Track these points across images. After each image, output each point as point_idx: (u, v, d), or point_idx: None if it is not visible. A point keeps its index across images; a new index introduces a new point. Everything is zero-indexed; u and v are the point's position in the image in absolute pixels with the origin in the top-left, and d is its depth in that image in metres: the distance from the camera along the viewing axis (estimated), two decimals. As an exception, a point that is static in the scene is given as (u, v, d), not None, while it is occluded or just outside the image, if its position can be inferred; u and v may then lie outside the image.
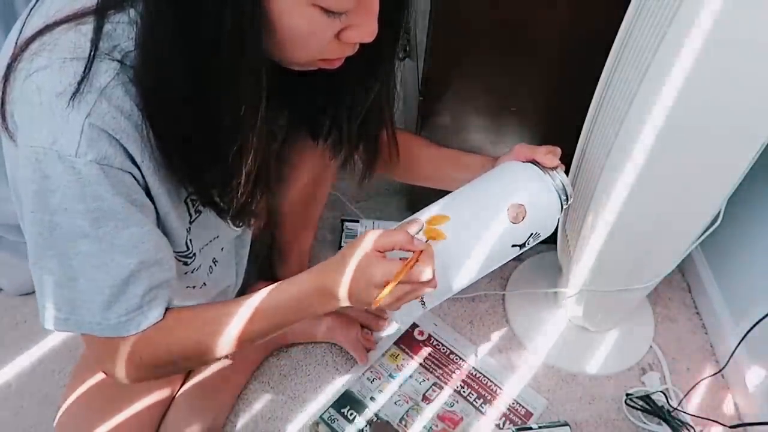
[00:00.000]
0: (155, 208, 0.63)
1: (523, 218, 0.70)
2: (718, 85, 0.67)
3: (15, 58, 0.56)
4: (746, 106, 0.68)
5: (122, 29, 0.57)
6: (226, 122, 0.58)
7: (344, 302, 0.65)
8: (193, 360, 0.71)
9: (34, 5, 0.61)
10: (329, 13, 0.54)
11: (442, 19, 0.93)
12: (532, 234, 0.72)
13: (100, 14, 0.56)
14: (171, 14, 0.52)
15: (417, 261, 0.61)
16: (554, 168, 0.73)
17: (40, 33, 0.56)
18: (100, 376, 0.88)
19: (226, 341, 0.66)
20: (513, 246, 0.71)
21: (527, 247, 0.73)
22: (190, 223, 0.71)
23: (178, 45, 0.53)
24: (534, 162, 0.74)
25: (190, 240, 0.72)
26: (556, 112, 1.05)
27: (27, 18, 0.60)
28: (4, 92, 0.57)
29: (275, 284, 0.67)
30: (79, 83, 0.54)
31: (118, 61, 0.56)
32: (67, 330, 0.63)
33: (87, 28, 0.56)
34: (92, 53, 0.55)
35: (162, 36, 0.54)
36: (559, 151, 0.75)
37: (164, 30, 0.53)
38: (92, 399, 0.86)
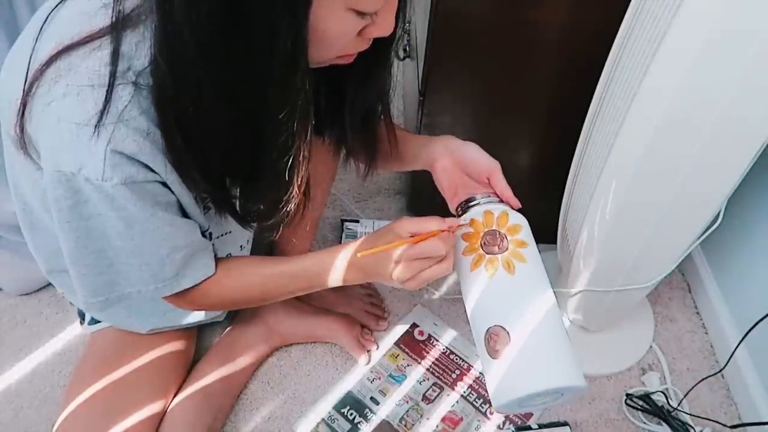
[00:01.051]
0: (177, 200, 0.67)
1: None
2: (718, 84, 0.66)
3: (33, 83, 0.58)
4: (746, 105, 0.68)
5: (135, 48, 0.58)
6: (277, 139, 0.59)
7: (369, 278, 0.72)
8: (244, 304, 0.81)
9: (45, 23, 0.61)
10: (361, 14, 0.56)
11: (442, 19, 0.93)
12: None
13: (116, 38, 0.58)
14: (212, 39, 0.52)
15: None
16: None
17: (56, 57, 0.58)
18: (99, 382, 0.88)
19: (269, 299, 0.79)
20: None
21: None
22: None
23: (219, 70, 0.54)
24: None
25: (209, 233, 0.76)
26: (556, 112, 1.05)
27: (38, 36, 0.61)
28: (23, 116, 0.59)
29: (311, 254, 0.75)
30: (100, 113, 0.56)
31: (132, 83, 0.57)
32: (107, 307, 0.71)
33: (103, 53, 0.57)
34: (111, 82, 0.57)
35: (198, 61, 0.54)
36: None
37: (201, 55, 0.53)
38: (91, 407, 0.86)
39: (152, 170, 0.61)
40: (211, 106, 0.56)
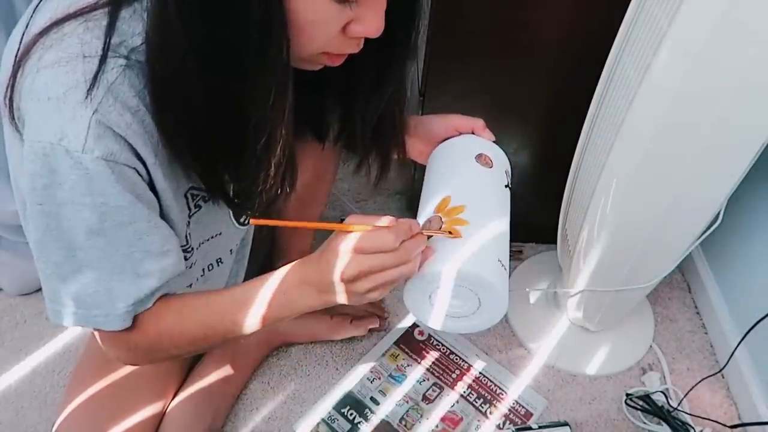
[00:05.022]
0: (159, 202, 0.64)
1: (491, 162, 0.75)
2: (718, 85, 0.66)
3: (24, 55, 0.56)
4: (746, 105, 0.68)
5: (128, 25, 0.57)
6: (255, 116, 0.58)
7: (325, 296, 0.63)
8: (184, 348, 0.69)
9: (38, 4, 0.61)
10: (340, 2, 0.54)
11: (442, 19, 0.93)
12: (506, 171, 0.78)
13: (112, 10, 0.56)
14: (194, 10, 0.52)
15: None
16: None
17: (49, 29, 0.56)
18: (99, 383, 0.87)
19: (214, 334, 0.67)
20: (505, 187, 0.76)
21: (511, 185, 0.78)
22: (189, 217, 0.71)
23: (200, 40, 0.53)
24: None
25: (189, 234, 0.72)
26: (556, 112, 1.05)
27: (31, 17, 0.60)
28: (12, 88, 0.57)
29: (260, 277, 0.65)
30: (91, 81, 0.54)
31: (124, 57, 0.56)
32: (76, 324, 0.64)
33: (95, 24, 0.56)
34: (105, 52, 0.55)
35: (182, 32, 0.53)
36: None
37: (185, 26, 0.53)
38: (90, 408, 0.86)
39: (136, 154, 0.58)
40: (195, 80, 0.56)
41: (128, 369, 0.89)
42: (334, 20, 0.56)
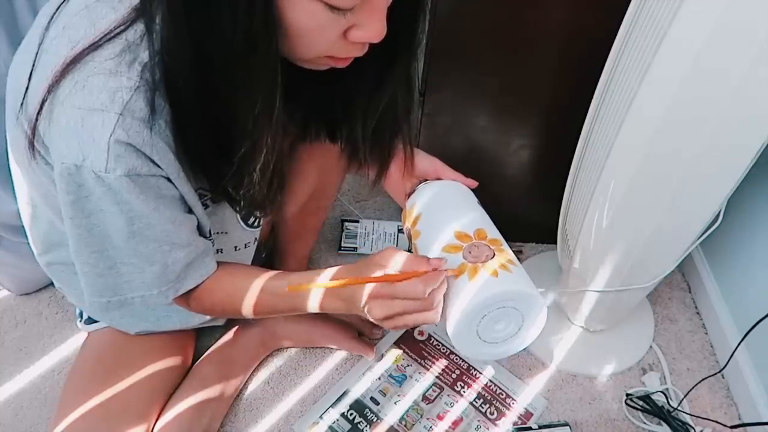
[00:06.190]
0: (182, 198, 0.67)
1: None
2: (717, 85, 0.66)
3: (49, 90, 0.58)
4: (746, 105, 0.68)
5: (140, 39, 0.58)
6: (241, 121, 0.59)
7: (349, 311, 0.68)
8: (237, 316, 0.77)
9: (50, 20, 0.61)
10: (334, 10, 0.54)
11: (442, 19, 0.93)
12: None
13: (126, 29, 0.58)
14: (184, 17, 0.53)
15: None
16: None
17: (73, 62, 0.57)
18: (94, 389, 0.87)
19: (258, 313, 0.74)
20: None
21: None
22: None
23: (191, 48, 0.54)
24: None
25: (210, 231, 0.75)
26: (556, 112, 1.05)
27: (45, 32, 0.61)
28: (36, 120, 0.59)
29: (300, 274, 0.72)
30: (105, 104, 0.56)
31: (138, 73, 0.57)
32: (109, 310, 0.69)
33: (114, 44, 0.57)
34: (118, 72, 0.57)
35: (176, 41, 0.55)
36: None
37: (178, 34, 0.54)
38: (86, 414, 0.85)
39: (156, 164, 0.60)
40: (194, 85, 0.57)
41: (125, 375, 0.88)
42: (332, 27, 0.56)
